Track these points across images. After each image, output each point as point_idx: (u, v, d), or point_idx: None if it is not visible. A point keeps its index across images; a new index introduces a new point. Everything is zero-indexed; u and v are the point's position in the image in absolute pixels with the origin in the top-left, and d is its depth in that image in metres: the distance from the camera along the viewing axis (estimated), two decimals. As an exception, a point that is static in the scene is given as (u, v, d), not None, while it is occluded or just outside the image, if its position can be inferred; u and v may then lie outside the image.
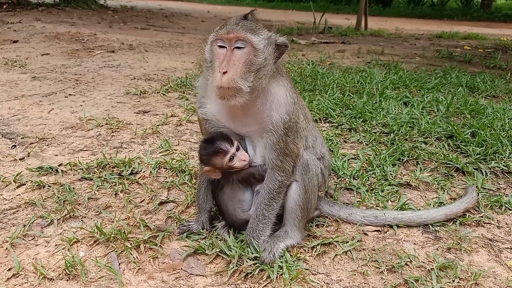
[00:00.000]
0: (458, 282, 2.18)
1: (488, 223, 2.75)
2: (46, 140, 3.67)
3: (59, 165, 3.21)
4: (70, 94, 4.97)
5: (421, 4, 27.96)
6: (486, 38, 12.49)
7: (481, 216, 2.78)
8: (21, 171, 3.11)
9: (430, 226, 2.67)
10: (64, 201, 2.77)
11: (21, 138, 3.68)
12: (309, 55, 8.13)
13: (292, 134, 2.26)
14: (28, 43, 7.96)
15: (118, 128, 3.98)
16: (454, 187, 3.18)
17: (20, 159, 3.33)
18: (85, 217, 2.65)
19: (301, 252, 2.39)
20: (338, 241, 2.47)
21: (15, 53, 7.08)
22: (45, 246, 2.39)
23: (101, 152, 3.44)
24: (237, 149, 2.30)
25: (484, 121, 4.28)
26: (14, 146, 3.54)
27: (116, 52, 7.53)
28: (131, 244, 2.36)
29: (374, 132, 4.07)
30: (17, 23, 9.92)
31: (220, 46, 2.09)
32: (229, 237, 2.41)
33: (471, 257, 2.42)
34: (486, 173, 3.36)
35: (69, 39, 8.43)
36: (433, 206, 2.90)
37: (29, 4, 13.97)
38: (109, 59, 6.97)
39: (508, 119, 4.38)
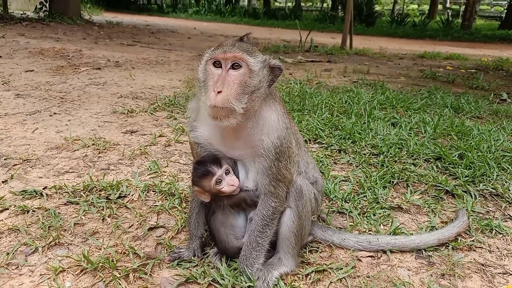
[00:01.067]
0: (454, 310, 2.16)
1: (480, 247, 2.75)
2: (30, 162, 3.56)
3: (43, 188, 3.11)
4: (55, 113, 4.87)
5: (403, 24, 28.66)
6: (467, 59, 12.82)
7: (473, 240, 2.79)
8: (4, 195, 3.00)
9: (423, 251, 2.65)
10: (49, 227, 2.67)
11: (4, 159, 3.57)
12: (296, 74, 8.20)
13: (285, 159, 2.23)
14: (12, 59, 7.82)
15: (105, 149, 3.90)
16: (445, 210, 3.18)
17: (3, 182, 3.22)
18: (71, 244, 2.55)
19: (295, 280, 2.34)
20: (333, 268, 2.43)
21: (-2, 69, 6.94)
22: (30, 275, 2.29)
23: (87, 174, 3.36)
24: (227, 173, 2.27)
25: (471, 143, 4.34)
26: (-3, 167, 3.43)
27: (102, 69, 7.45)
28: (119, 273, 2.27)
29: (364, 154, 4.08)
30: (0, 38, 9.76)
31: (215, 66, 2.08)
32: (222, 265, 2.35)
33: (464, 283, 2.40)
34: (475, 195, 3.39)
35: (54, 55, 8.31)
36: (425, 230, 2.90)
37: (12, 19, 13.80)
38: (95, 76, 6.89)
39: (494, 140, 4.45)
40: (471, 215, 3.09)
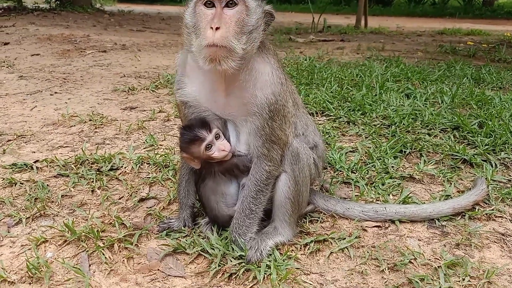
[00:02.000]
0: (469, 280, 1.93)
1: (500, 216, 2.50)
2: (24, 137, 3.46)
3: (34, 162, 2.99)
4: (56, 92, 4.77)
5: (422, 3, 27.72)
6: (489, 34, 12.24)
7: (492, 209, 2.54)
8: (-7, 169, 2.90)
9: (436, 221, 2.42)
10: (35, 198, 2.54)
11: (-2, 136, 3.48)
12: (307, 52, 7.91)
13: (279, 118, 2.03)
14: (19, 45, 7.78)
15: (102, 124, 3.76)
16: (462, 180, 2.93)
17: (-6, 157, 3.12)
18: (57, 215, 2.42)
19: (292, 250, 2.16)
20: (334, 238, 2.23)
21: (5, 54, 6.90)
22: (10, 246, 2.18)
23: (81, 148, 3.22)
24: (217, 138, 2.08)
25: (492, 112, 4.04)
26: (-10, 143, 3.33)
27: (108, 51, 7.34)
28: (104, 244, 2.13)
29: (374, 125, 3.83)
30: (10, 27, 9.77)
31: (207, 6, 1.87)
32: (212, 234, 2.17)
33: (482, 254, 2.17)
34: (495, 164, 3.12)
35: (62, 41, 8.25)
36: (439, 199, 2.66)
37: (25, 9, 13.86)
38: (100, 58, 6.78)
39: (517, 109, 4.13)
40: (491, 184, 2.83)
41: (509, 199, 2.67)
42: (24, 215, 2.39)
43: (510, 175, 3.01)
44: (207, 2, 1.87)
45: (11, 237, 2.24)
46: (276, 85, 2.01)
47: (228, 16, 1.84)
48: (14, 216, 2.38)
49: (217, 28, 1.78)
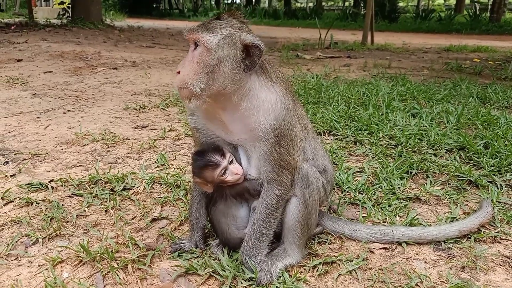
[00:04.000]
0: (475, 304, 1.97)
1: (505, 239, 2.53)
2: (39, 156, 3.55)
3: (49, 181, 3.08)
4: (68, 110, 4.89)
5: (428, 19, 27.88)
6: (496, 51, 12.31)
7: (498, 232, 2.57)
8: (10, 188, 2.98)
9: (443, 243, 2.46)
10: (51, 218, 2.62)
11: (14, 155, 3.57)
12: (314, 69, 8.02)
13: (286, 143, 2.08)
14: (32, 62, 7.97)
15: (114, 143, 3.86)
16: (468, 201, 2.97)
17: (11, 176, 3.21)
18: (72, 235, 2.50)
19: (301, 272, 2.20)
20: (342, 260, 2.28)
21: (18, 71, 7.08)
22: (28, 266, 2.24)
23: (94, 167, 3.31)
24: (230, 162, 2.15)
25: (498, 132, 4.08)
26: (7, 162, 3.43)
27: (118, 69, 7.50)
28: (118, 264, 2.19)
29: (381, 145, 3.89)
30: (23, 43, 10.01)
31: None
32: (223, 256, 2.23)
33: (487, 277, 2.20)
34: (501, 186, 3.15)
35: (73, 57, 8.44)
36: (445, 221, 2.70)
37: (37, 25, 14.17)
38: (111, 75, 6.93)
39: (523, 129, 4.17)
40: (496, 206, 2.86)
41: (515, 222, 2.70)
42: (40, 235, 2.46)
43: (516, 197, 3.05)
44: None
45: (28, 257, 2.31)
46: (280, 111, 2.04)
47: (191, 57, 1.95)
48: (31, 236, 2.45)
49: (178, 72, 1.94)
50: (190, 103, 1.96)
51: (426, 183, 3.18)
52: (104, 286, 2.09)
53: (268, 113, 2.02)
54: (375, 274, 2.18)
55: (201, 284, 2.10)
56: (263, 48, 1.93)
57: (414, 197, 3.00)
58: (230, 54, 1.92)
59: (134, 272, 2.18)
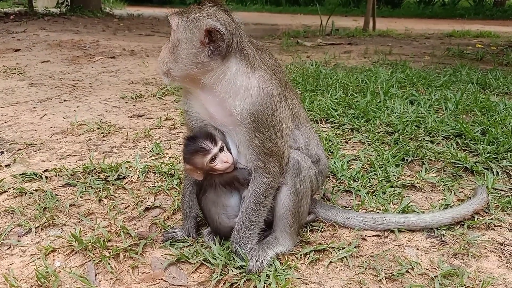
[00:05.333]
0: (464, 291, 1.97)
1: (499, 226, 2.53)
2: (34, 146, 3.56)
3: (43, 171, 3.08)
4: (65, 100, 4.87)
5: (432, 4, 27.49)
6: (499, 36, 12.14)
7: (492, 219, 2.57)
8: (4, 178, 2.99)
9: (435, 230, 2.46)
10: (44, 208, 2.63)
11: (10, 145, 3.57)
12: (314, 57, 7.95)
13: (267, 129, 2.03)
14: (30, 51, 7.94)
15: (109, 133, 3.85)
16: (463, 188, 2.96)
17: (5, 166, 3.21)
18: (65, 225, 2.51)
19: (292, 259, 2.21)
20: (334, 247, 2.28)
21: (16, 61, 7.05)
22: (21, 255, 2.26)
23: (89, 157, 3.31)
24: (221, 150, 2.13)
25: (496, 118, 4.05)
26: (2, 152, 3.44)
27: (116, 57, 7.45)
28: (109, 253, 2.21)
29: (378, 132, 3.86)
30: (21, 33, 9.96)
31: None
32: (215, 244, 2.23)
33: (479, 263, 2.20)
34: (497, 172, 3.14)
35: (71, 47, 8.40)
36: (439, 208, 2.69)
37: (35, 14, 14.09)
38: (109, 64, 6.89)
39: (522, 115, 4.13)
40: (492, 193, 2.85)
41: (509, 208, 2.69)
42: (33, 224, 2.47)
43: (511, 183, 3.03)
44: None
45: (21, 246, 2.32)
46: (258, 95, 2.00)
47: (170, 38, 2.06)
48: (24, 226, 2.46)
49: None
50: (164, 79, 2.11)
51: (421, 170, 3.17)
52: (96, 274, 2.11)
53: (244, 98, 2.00)
54: (366, 261, 2.18)
55: (192, 272, 2.11)
56: (224, 33, 1.90)
57: (409, 184, 2.99)
58: (188, 37, 1.96)
59: (125, 260, 2.19)
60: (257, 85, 2.02)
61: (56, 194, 2.80)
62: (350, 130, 3.99)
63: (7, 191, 2.85)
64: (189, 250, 2.24)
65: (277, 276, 2.04)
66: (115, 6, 23.16)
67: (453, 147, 3.54)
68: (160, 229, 2.46)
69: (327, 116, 4.26)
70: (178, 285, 2.05)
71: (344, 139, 3.81)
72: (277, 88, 2.10)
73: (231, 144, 2.19)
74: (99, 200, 2.76)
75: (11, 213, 2.61)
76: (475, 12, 22.11)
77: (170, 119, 4.26)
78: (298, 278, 2.07)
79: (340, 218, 2.51)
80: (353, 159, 3.38)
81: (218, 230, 2.26)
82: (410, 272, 2.11)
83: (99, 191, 2.85)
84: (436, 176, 3.12)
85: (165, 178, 3.05)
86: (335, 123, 4.13)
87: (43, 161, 3.31)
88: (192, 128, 2.25)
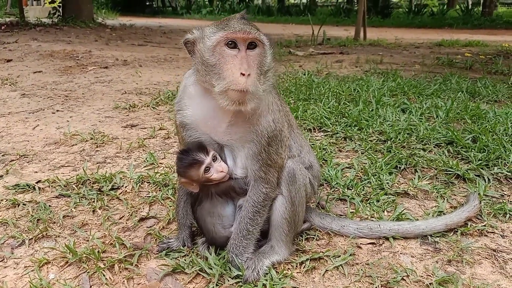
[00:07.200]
0: (459, 298, 1.98)
1: (492, 232, 2.56)
2: (27, 157, 3.53)
3: (36, 182, 3.06)
4: (57, 110, 4.86)
5: (421, 14, 27.94)
6: (487, 45, 12.35)
7: (484, 225, 2.59)
8: (-3, 189, 2.97)
9: (429, 237, 2.47)
10: (38, 219, 2.61)
11: (2, 156, 3.55)
12: (306, 66, 8.02)
13: (276, 143, 2.10)
14: (22, 62, 7.91)
15: (103, 143, 3.84)
16: (455, 195, 2.99)
17: (-2, 177, 3.19)
18: (58, 236, 2.49)
19: (288, 268, 2.21)
20: (329, 256, 2.29)
21: (8, 72, 7.02)
22: (14, 268, 2.23)
23: (82, 167, 3.29)
24: (214, 160, 2.14)
25: (486, 126, 4.10)
26: (-6, 163, 3.41)
27: (109, 67, 7.45)
28: (104, 264, 2.19)
29: (370, 140, 3.90)
30: (13, 43, 9.93)
31: (229, 47, 1.90)
32: (210, 254, 2.23)
33: (473, 270, 2.22)
34: (488, 179, 3.17)
35: (64, 57, 8.38)
36: (433, 215, 2.71)
37: (27, 25, 14.05)
38: (102, 74, 6.89)
39: (511, 123, 4.19)
40: (484, 200, 2.88)
41: (501, 215, 2.72)
42: (27, 236, 2.45)
43: (502, 190, 3.07)
44: (229, 43, 1.89)
45: (14, 258, 2.29)
46: (275, 112, 2.09)
47: (251, 58, 1.89)
48: (17, 238, 2.44)
49: (248, 75, 1.83)
50: (245, 106, 1.88)
51: (414, 178, 3.19)
52: (91, 286, 2.09)
53: (266, 115, 2.04)
54: (361, 269, 2.19)
55: (188, 282, 2.10)
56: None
57: (402, 192, 3.01)
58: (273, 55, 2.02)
59: (120, 272, 2.18)
60: (274, 102, 2.08)
61: (49, 205, 2.78)
62: (343, 139, 4.02)
63: (-1, 203, 2.82)
64: (185, 260, 2.23)
65: (273, 285, 2.04)
66: (107, 16, 23.20)
67: (445, 155, 3.58)
68: (155, 240, 2.45)
69: (320, 125, 4.29)
70: (174, 296, 2.03)
71: (337, 147, 3.84)
72: (280, 101, 2.16)
73: (228, 155, 2.19)
74: (93, 211, 2.74)
75: (4, 224, 2.58)
76: (463, 22, 22.48)
77: (164, 129, 4.26)
78: (294, 287, 2.07)
79: (335, 226, 2.52)
80: (346, 167, 3.40)
81: (214, 240, 2.25)
82: (405, 280, 2.13)
83: (93, 201, 2.83)
84: (429, 183, 3.14)
85: (159, 188, 3.04)
86: (328, 131, 4.16)
87: (36, 172, 3.29)
88: (186, 142, 2.24)
